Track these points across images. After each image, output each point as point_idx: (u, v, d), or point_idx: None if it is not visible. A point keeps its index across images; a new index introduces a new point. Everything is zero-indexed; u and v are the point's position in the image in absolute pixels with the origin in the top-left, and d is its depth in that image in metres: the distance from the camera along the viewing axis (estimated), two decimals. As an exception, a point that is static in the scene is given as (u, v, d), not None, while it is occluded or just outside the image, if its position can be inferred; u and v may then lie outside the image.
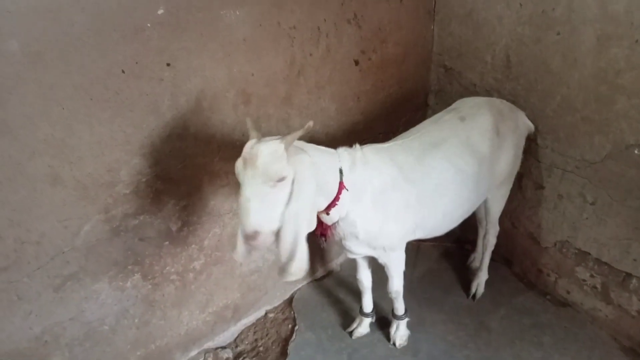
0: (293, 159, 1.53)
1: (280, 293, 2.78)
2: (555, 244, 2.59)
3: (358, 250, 2.04)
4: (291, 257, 1.57)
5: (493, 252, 2.67)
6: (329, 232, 1.91)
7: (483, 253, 2.68)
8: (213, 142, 2.04)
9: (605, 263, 2.37)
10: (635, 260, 2.22)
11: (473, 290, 2.73)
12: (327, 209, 1.77)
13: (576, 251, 2.49)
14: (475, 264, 2.89)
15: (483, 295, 2.73)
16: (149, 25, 1.66)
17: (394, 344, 2.45)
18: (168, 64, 1.76)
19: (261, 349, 2.51)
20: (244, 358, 2.46)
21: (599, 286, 2.45)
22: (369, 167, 1.85)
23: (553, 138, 2.35)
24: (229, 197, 2.22)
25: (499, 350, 2.40)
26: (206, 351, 2.47)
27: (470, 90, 2.68)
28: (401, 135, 2.15)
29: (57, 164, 1.63)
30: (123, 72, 1.66)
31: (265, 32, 2.01)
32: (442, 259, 3.08)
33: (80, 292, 1.87)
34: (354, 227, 1.88)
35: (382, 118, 2.75)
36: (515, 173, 2.40)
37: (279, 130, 2.23)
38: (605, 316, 2.48)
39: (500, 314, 2.62)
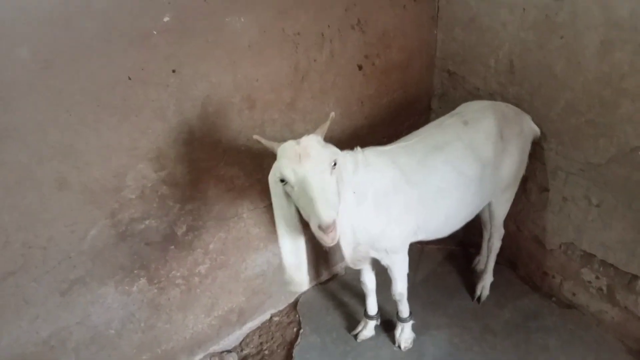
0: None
1: (285, 297, 2.79)
2: (560, 247, 2.59)
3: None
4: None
5: (498, 254, 2.67)
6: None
7: (488, 256, 2.68)
8: (218, 147, 2.06)
9: (611, 265, 2.36)
10: (640, 262, 2.22)
11: (478, 293, 2.73)
12: None
13: (581, 253, 2.49)
14: (480, 266, 2.89)
15: (488, 298, 2.73)
16: (155, 32, 1.68)
17: (399, 347, 2.45)
18: (174, 71, 1.78)
19: (266, 352, 2.52)
20: (250, 362, 2.47)
21: (604, 288, 2.45)
22: (370, 169, 1.86)
23: (557, 141, 2.35)
24: (234, 201, 2.23)
25: (505, 353, 2.40)
26: (212, 355, 2.48)
27: (474, 95, 2.69)
28: (404, 138, 2.16)
29: (64, 169, 1.65)
30: (130, 78, 1.68)
31: (269, 38, 2.02)
32: (446, 261, 3.08)
33: (86, 296, 1.89)
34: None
35: (385, 122, 2.76)
36: (520, 177, 2.40)
37: (284, 135, 2.24)
38: (611, 318, 2.47)
39: (505, 317, 2.62)
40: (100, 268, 1.89)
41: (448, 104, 2.83)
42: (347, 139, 2.55)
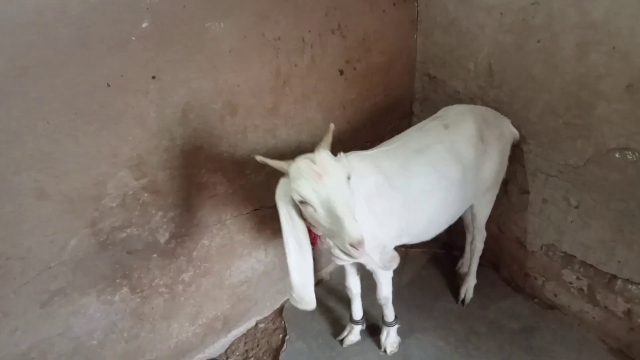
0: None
1: (270, 303, 2.78)
2: (541, 248, 2.62)
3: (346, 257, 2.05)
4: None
5: (481, 257, 2.69)
6: (318, 240, 1.92)
7: (471, 258, 2.70)
8: (200, 154, 2.04)
9: (591, 265, 2.40)
10: (619, 262, 2.26)
11: (462, 295, 2.75)
12: None
13: (562, 254, 2.52)
14: (464, 269, 2.91)
15: (472, 300, 2.75)
16: (134, 38, 1.67)
17: (385, 351, 2.46)
18: (154, 77, 1.77)
19: (252, 359, 2.50)
20: (235, 369, 2.45)
21: (585, 288, 2.49)
22: (353, 174, 1.86)
23: (536, 143, 2.39)
24: (216, 208, 2.21)
25: (489, 354, 2.42)
26: (196, 363, 2.45)
27: (455, 98, 2.72)
28: (386, 142, 2.17)
29: (42, 178, 1.62)
30: (108, 85, 1.66)
31: (250, 44, 2.02)
32: (431, 264, 3.10)
33: (67, 307, 1.85)
34: None
35: (368, 126, 2.77)
36: (501, 179, 2.43)
37: (266, 140, 2.23)
38: (592, 318, 2.51)
39: (489, 319, 2.64)
40: (81, 278, 1.85)
41: (429, 108, 2.86)
42: (330, 144, 2.54)
